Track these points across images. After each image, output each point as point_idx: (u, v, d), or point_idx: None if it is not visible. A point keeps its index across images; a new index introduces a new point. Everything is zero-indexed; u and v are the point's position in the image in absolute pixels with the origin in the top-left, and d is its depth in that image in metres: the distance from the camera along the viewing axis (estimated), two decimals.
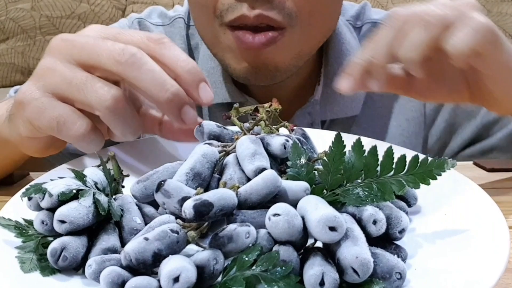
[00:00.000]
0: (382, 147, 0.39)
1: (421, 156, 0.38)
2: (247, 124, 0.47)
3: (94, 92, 0.43)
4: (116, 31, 0.46)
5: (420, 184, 0.38)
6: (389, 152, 0.38)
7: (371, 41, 0.49)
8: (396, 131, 0.77)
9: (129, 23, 0.82)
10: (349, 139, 0.39)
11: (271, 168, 0.40)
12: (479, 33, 0.45)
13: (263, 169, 0.39)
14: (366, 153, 0.38)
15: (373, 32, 0.79)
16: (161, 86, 0.43)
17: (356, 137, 0.39)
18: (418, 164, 0.38)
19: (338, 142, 0.38)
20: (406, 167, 0.38)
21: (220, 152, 0.44)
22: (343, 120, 0.76)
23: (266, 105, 0.47)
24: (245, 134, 0.45)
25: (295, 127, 0.49)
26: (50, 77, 0.44)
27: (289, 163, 0.39)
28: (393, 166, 0.38)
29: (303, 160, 0.39)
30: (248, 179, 0.39)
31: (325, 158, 0.38)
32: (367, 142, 0.39)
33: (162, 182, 0.37)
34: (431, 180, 0.38)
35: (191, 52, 0.81)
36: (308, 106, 0.74)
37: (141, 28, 0.81)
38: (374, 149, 0.38)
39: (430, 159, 0.38)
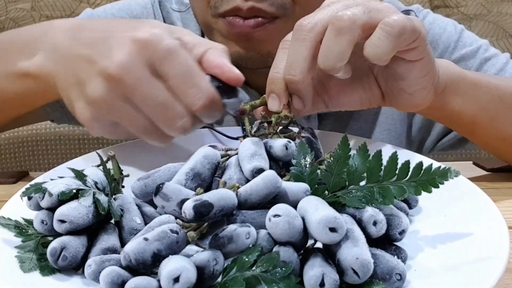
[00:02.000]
0: (387, 150, 0.39)
1: (425, 163, 0.38)
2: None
3: (130, 123, 0.44)
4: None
5: (422, 191, 0.38)
6: (393, 158, 0.38)
7: (282, 54, 0.47)
8: (382, 119, 0.77)
9: (151, 0, 0.83)
10: (351, 140, 0.39)
11: (271, 169, 0.40)
12: (396, 35, 0.43)
13: (261, 169, 0.39)
14: (370, 157, 0.38)
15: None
16: (174, 121, 0.44)
17: (363, 140, 0.39)
18: (422, 171, 0.38)
19: (344, 145, 0.38)
20: (409, 173, 0.38)
21: (223, 156, 0.44)
22: (341, 113, 0.75)
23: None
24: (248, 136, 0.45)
25: (305, 127, 0.49)
26: (129, 90, 0.43)
27: (293, 161, 0.39)
28: (396, 172, 0.38)
29: (308, 160, 0.39)
30: (248, 180, 0.39)
31: (330, 159, 0.38)
32: (369, 142, 0.39)
33: (161, 186, 0.37)
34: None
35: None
36: None
37: (162, 9, 0.82)
38: (378, 153, 0.38)
39: (434, 167, 0.38)
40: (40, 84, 0.51)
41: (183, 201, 0.36)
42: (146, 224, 0.38)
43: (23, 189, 0.38)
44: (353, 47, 0.44)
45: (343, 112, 0.75)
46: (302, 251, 0.34)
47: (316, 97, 0.52)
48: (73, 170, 0.40)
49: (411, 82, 0.50)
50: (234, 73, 0.46)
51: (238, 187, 0.36)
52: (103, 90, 0.43)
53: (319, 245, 0.34)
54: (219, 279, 0.32)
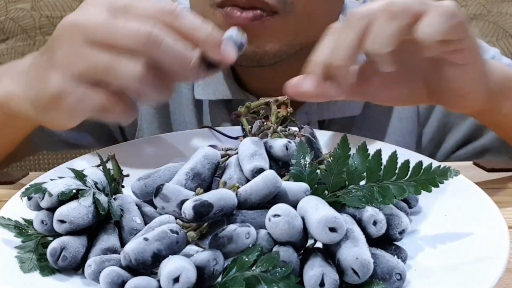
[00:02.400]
0: (386, 150, 0.39)
1: (425, 163, 0.38)
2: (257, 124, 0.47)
3: (122, 68, 0.43)
4: (124, 3, 0.45)
5: (421, 190, 0.38)
6: (393, 157, 0.38)
7: (328, 41, 0.47)
8: (390, 130, 0.77)
9: None
10: (353, 141, 0.39)
11: (271, 168, 0.40)
12: (449, 17, 0.43)
13: (261, 169, 0.39)
14: (370, 157, 0.38)
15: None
16: (182, 60, 0.44)
17: (362, 139, 0.39)
18: (421, 171, 0.38)
19: (343, 145, 0.38)
20: (409, 173, 0.38)
21: (223, 156, 0.44)
22: (342, 120, 0.75)
23: (280, 98, 0.47)
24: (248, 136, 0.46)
25: (304, 126, 0.49)
26: (76, 64, 0.44)
27: (293, 161, 0.39)
28: (396, 172, 0.38)
29: (307, 159, 0.39)
30: (248, 179, 0.39)
31: (329, 159, 0.39)
32: (368, 142, 0.39)
33: (161, 187, 0.37)
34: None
35: None
36: (305, 105, 0.73)
37: None
38: (378, 153, 0.38)
39: (433, 166, 0.38)
40: (10, 109, 0.52)
41: (183, 202, 0.36)
42: (146, 224, 0.38)
43: (23, 189, 0.38)
44: (402, 43, 0.43)
45: (346, 121, 0.75)
46: (302, 251, 0.34)
47: (356, 87, 0.51)
48: (73, 170, 0.40)
49: (462, 84, 0.49)
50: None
51: (238, 187, 0.36)
52: (67, 48, 0.44)
53: (319, 245, 0.34)
54: (219, 279, 0.32)
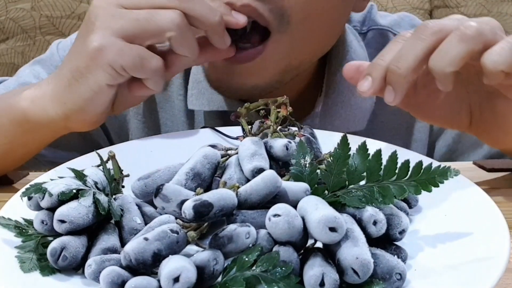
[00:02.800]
0: (386, 150, 0.39)
1: (425, 163, 0.38)
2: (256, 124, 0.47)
3: (162, 16, 0.48)
4: None
5: (421, 190, 0.38)
6: (393, 157, 0.38)
7: (394, 47, 0.47)
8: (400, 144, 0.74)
9: None
10: (353, 141, 0.39)
11: (271, 168, 0.40)
12: None
13: (261, 169, 0.39)
14: (370, 157, 0.38)
15: (379, 41, 0.75)
16: (212, 11, 0.51)
17: (362, 139, 0.39)
18: (421, 171, 0.38)
19: (343, 144, 0.38)
20: (409, 173, 0.38)
21: (223, 156, 0.44)
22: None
23: (279, 98, 0.47)
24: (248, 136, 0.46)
25: (304, 126, 0.49)
26: (114, 23, 0.48)
27: (293, 161, 0.39)
28: (396, 171, 0.38)
29: (307, 159, 0.39)
30: (248, 179, 0.39)
31: (329, 159, 0.39)
32: (371, 143, 0.39)
33: (160, 187, 0.37)
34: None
35: None
36: (307, 119, 0.71)
37: None
38: (378, 153, 0.38)
39: (433, 166, 0.38)
40: (30, 122, 0.54)
41: (183, 202, 0.36)
42: (146, 224, 0.38)
43: (23, 189, 0.38)
44: (464, 65, 0.44)
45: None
46: (302, 251, 0.34)
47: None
48: (73, 170, 0.40)
49: (509, 121, 0.49)
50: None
51: (238, 187, 0.36)
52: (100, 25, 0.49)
53: (319, 244, 0.34)
54: (219, 279, 0.32)
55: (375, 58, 0.48)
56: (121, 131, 0.76)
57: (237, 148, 0.44)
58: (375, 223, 0.35)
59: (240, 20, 0.54)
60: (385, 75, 0.46)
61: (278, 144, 0.42)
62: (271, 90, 0.62)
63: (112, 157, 0.43)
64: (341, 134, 0.39)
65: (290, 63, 0.62)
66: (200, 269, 0.31)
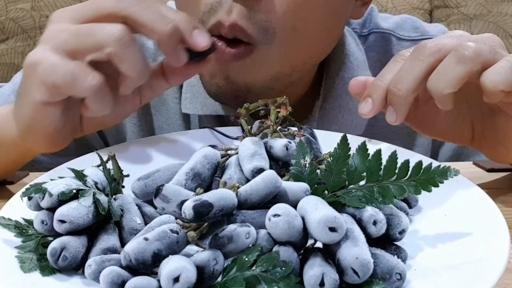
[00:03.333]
0: (386, 150, 0.39)
1: (425, 163, 0.38)
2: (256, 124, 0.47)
3: (101, 30, 0.44)
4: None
5: (421, 190, 0.38)
6: (393, 157, 0.38)
7: (394, 67, 0.47)
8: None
9: None
10: (353, 141, 0.39)
11: (271, 168, 0.40)
12: None
13: (261, 169, 0.39)
14: (370, 157, 0.38)
15: (381, 45, 0.75)
16: (162, 19, 0.45)
17: (362, 139, 0.39)
18: (421, 171, 0.38)
19: (343, 144, 0.38)
20: (409, 172, 0.38)
21: (223, 156, 0.44)
22: None
23: (279, 99, 0.47)
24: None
25: (303, 126, 0.49)
26: (57, 37, 0.46)
27: (293, 161, 0.40)
28: (396, 171, 0.38)
29: (307, 159, 0.39)
30: (248, 179, 0.39)
31: (329, 159, 0.39)
32: (368, 142, 0.39)
33: (160, 187, 0.37)
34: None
35: None
36: (304, 123, 0.68)
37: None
38: (378, 153, 0.38)
39: (433, 166, 0.38)
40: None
41: (183, 203, 0.36)
42: (146, 224, 0.38)
43: (23, 189, 0.38)
44: (463, 84, 0.44)
45: None
46: (302, 251, 0.34)
47: None
48: (73, 170, 0.40)
49: (510, 138, 0.49)
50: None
51: (238, 187, 0.36)
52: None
53: (319, 244, 0.34)
54: (219, 279, 0.32)
55: (375, 79, 0.48)
56: (118, 135, 0.75)
57: (237, 148, 0.44)
58: (375, 223, 0.35)
59: (199, 43, 0.47)
60: (385, 96, 0.47)
61: (278, 144, 0.42)
62: (266, 94, 0.61)
63: (112, 157, 0.43)
64: (341, 135, 0.39)
65: (281, 70, 0.61)
66: (200, 269, 0.31)
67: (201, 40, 0.47)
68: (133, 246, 0.31)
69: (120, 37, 0.44)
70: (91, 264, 0.33)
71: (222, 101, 0.65)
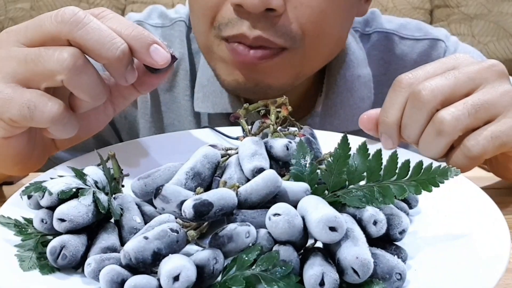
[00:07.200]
0: (388, 150, 0.39)
1: (425, 163, 0.38)
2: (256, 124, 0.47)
3: (51, 57, 0.41)
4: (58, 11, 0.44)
5: (422, 190, 0.38)
6: (393, 157, 0.38)
7: (396, 99, 0.49)
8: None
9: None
10: (353, 141, 0.39)
11: (271, 168, 0.40)
12: (501, 137, 0.45)
13: (261, 169, 0.39)
14: (370, 157, 0.38)
15: (384, 44, 0.76)
16: (110, 44, 0.42)
17: (362, 139, 0.39)
18: (422, 171, 0.38)
19: (344, 144, 0.39)
20: (409, 173, 0.38)
21: (223, 156, 0.44)
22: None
23: (279, 99, 0.47)
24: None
25: (304, 126, 0.49)
26: (5, 66, 0.42)
27: (293, 161, 0.40)
28: (396, 171, 0.38)
29: (307, 159, 0.39)
30: (248, 179, 0.39)
31: (329, 159, 0.39)
32: (368, 142, 0.39)
33: (160, 188, 0.37)
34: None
35: (191, 56, 0.77)
36: (307, 118, 0.72)
37: None
38: (378, 153, 0.38)
39: (434, 166, 0.38)
40: None
41: (182, 203, 0.36)
42: (146, 223, 0.38)
43: (23, 188, 0.38)
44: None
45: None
46: (302, 250, 0.34)
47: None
48: (73, 169, 0.40)
49: None
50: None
51: (238, 187, 0.36)
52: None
53: (319, 244, 0.34)
54: (219, 278, 0.32)
55: (380, 114, 0.49)
56: (131, 131, 0.77)
57: (237, 148, 0.44)
58: (375, 223, 0.35)
59: (157, 62, 0.44)
60: (399, 130, 0.49)
61: (279, 144, 0.42)
62: (282, 92, 0.61)
63: (112, 156, 0.43)
64: (341, 134, 0.40)
65: (302, 70, 0.63)
66: (200, 268, 0.31)
67: (158, 58, 0.44)
68: (133, 245, 0.31)
69: (70, 64, 0.41)
70: (90, 262, 0.33)
71: (240, 95, 0.67)
